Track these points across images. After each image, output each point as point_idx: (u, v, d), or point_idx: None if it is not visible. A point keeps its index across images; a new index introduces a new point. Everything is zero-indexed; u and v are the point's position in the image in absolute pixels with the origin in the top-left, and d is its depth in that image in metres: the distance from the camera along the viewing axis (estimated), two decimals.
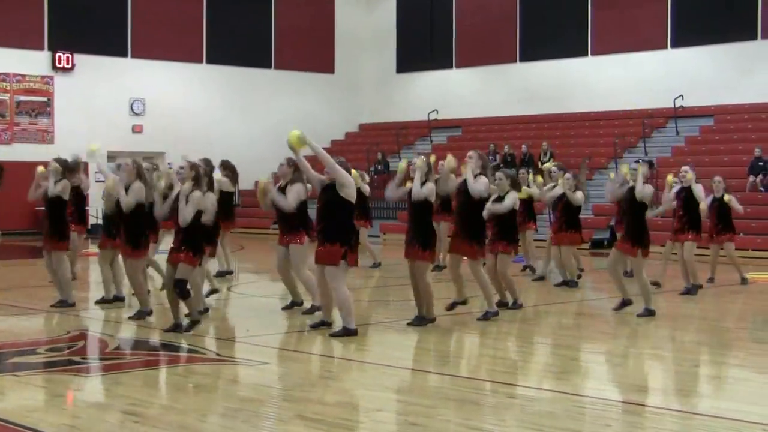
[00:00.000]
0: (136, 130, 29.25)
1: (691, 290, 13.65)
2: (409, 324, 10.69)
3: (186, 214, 10.07)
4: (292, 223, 11.39)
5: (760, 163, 22.47)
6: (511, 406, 7.27)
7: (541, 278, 15.03)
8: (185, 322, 10.25)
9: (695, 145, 25.80)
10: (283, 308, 11.90)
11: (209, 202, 10.25)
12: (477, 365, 9.23)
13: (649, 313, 11.57)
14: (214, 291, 13.00)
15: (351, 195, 9.98)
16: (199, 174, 10.18)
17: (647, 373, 8.82)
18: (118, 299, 12.57)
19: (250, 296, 13.76)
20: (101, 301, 12.58)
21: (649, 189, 11.65)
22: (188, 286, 10.12)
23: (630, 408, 7.21)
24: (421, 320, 10.69)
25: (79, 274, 15.04)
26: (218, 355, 9.46)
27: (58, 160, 12.27)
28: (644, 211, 11.68)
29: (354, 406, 7.37)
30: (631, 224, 11.64)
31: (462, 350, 9.81)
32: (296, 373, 8.69)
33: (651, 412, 7.09)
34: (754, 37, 26.20)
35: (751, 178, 22.55)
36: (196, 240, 10.14)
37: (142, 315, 11.18)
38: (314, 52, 32.99)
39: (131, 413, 6.99)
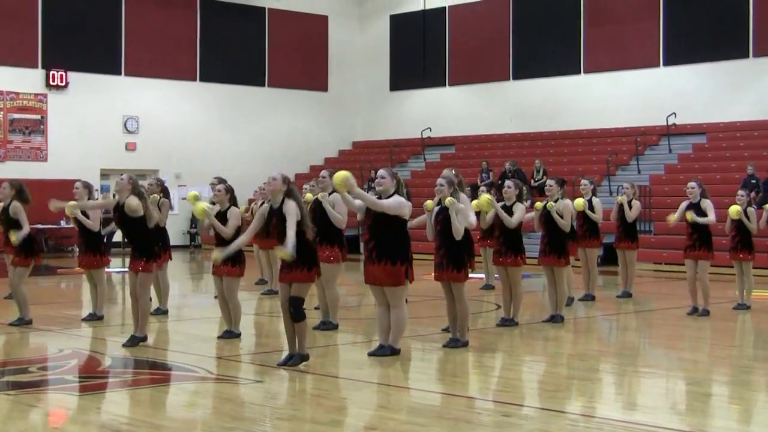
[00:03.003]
0: (130, 147, 29.26)
1: (702, 312, 13.46)
2: (444, 346, 10.60)
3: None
4: (325, 240, 11.43)
5: (753, 181, 22.52)
6: (505, 425, 7.25)
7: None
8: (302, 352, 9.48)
9: (688, 162, 25.86)
10: (315, 328, 11.84)
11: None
12: (471, 383, 9.22)
13: (562, 318, 12.67)
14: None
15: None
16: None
17: (642, 391, 8.81)
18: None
19: (246, 314, 13.72)
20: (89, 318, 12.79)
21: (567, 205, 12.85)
22: (304, 306, 9.34)
23: (625, 426, 7.19)
24: (456, 342, 10.61)
25: (69, 293, 15.01)
26: (211, 373, 9.43)
27: (12, 183, 12.34)
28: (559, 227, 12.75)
29: (347, 425, 7.35)
30: (553, 238, 12.73)
31: (456, 368, 9.79)
32: (289, 392, 8.67)
33: (645, 430, 7.08)
34: (745, 54, 26.31)
35: None
36: (308, 254, 9.36)
37: (135, 341, 10.66)
38: (307, 70, 33.05)
39: None
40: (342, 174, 9.34)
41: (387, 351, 9.91)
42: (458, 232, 10.32)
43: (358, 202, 9.93)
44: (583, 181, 15.17)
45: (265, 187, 14.13)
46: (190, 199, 11.34)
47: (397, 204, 9.73)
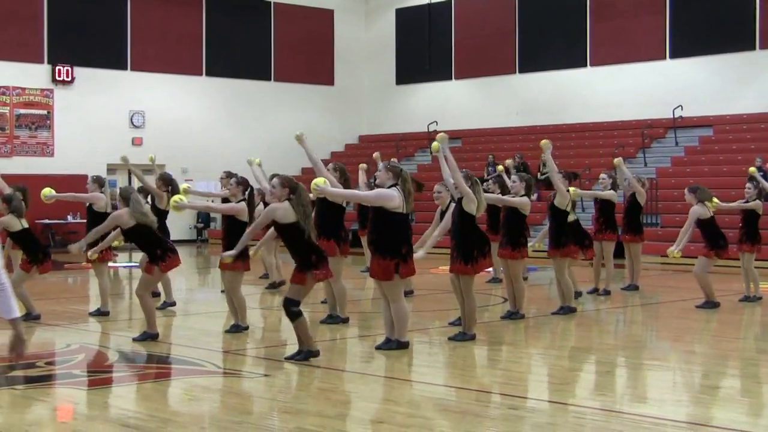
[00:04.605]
0: (136, 142, 29.27)
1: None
2: (451, 339, 10.60)
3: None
4: (324, 233, 11.45)
5: (761, 173, 22.45)
6: (513, 418, 7.26)
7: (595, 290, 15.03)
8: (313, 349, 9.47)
9: (695, 155, 25.81)
10: (322, 321, 11.87)
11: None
12: (479, 377, 9.22)
13: (570, 310, 12.74)
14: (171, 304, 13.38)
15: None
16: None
17: (648, 384, 8.81)
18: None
19: (253, 308, 13.75)
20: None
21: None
22: (292, 308, 9.27)
23: (632, 419, 7.20)
24: (463, 335, 10.61)
25: (76, 288, 15.01)
26: (218, 367, 9.44)
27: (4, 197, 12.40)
28: (565, 218, 12.82)
29: (355, 418, 7.36)
30: (557, 231, 12.76)
31: (463, 362, 9.80)
32: (296, 386, 8.68)
33: (652, 422, 7.08)
34: (752, 47, 26.24)
35: None
36: (305, 257, 9.28)
37: (145, 337, 10.70)
38: (314, 64, 33.03)
39: (131, 426, 6.98)
40: (312, 183, 9.55)
41: (393, 345, 9.91)
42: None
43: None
44: (602, 175, 15.25)
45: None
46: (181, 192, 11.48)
47: (375, 196, 9.78)
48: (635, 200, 15.47)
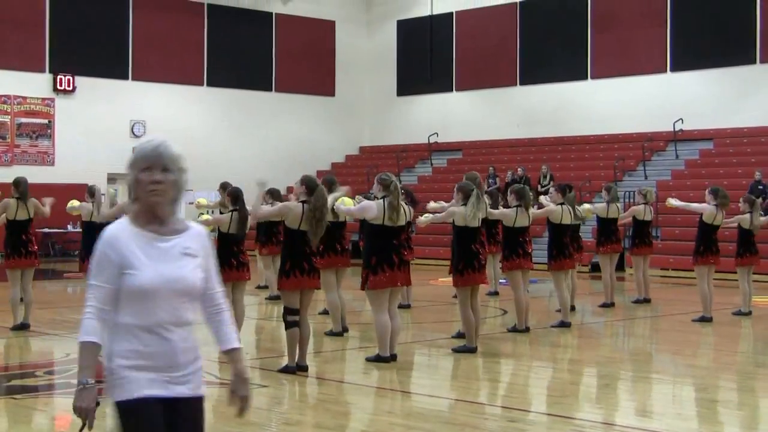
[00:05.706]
0: None
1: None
2: (452, 350, 10.61)
3: None
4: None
5: (760, 187, 22.47)
6: (512, 431, 7.25)
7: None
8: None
9: (695, 168, 25.83)
10: (326, 333, 11.85)
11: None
12: (478, 389, 9.21)
13: (562, 324, 12.65)
14: None
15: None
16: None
17: (647, 397, 8.80)
18: None
19: (251, 319, 13.74)
20: None
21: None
22: (287, 317, 9.33)
23: None
24: (463, 347, 10.59)
25: (75, 297, 14.96)
26: (216, 377, 9.43)
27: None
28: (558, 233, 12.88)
29: (353, 429, 7.35)
30: (553, 243, 12.89)
31: (463, 374, 9.79)
32: (296, 397, 8.67)
33: None
34: (752, 61, 26.28)
35: None
36: (282, 262, 9.44)
37: None
38: (315, 75, 33.07)
39: None
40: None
41: (372, 358, 9.90)
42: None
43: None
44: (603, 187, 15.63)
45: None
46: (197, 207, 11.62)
47: (358, 209, 10.05)
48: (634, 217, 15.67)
